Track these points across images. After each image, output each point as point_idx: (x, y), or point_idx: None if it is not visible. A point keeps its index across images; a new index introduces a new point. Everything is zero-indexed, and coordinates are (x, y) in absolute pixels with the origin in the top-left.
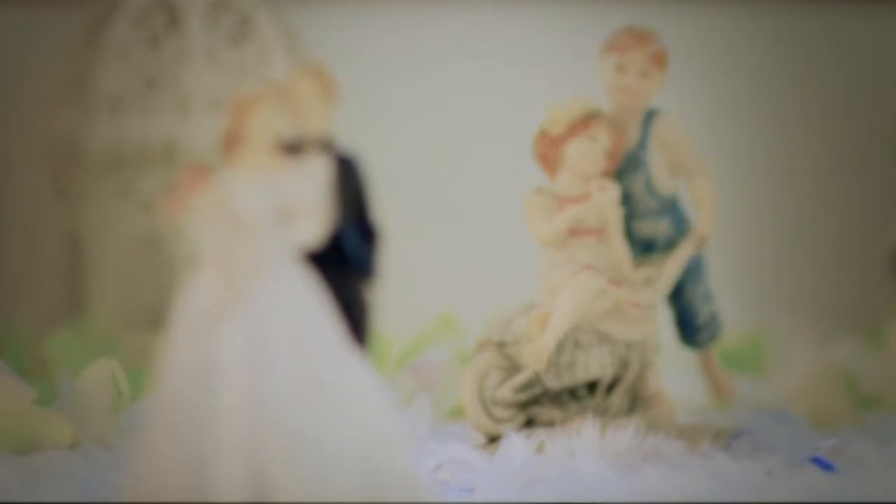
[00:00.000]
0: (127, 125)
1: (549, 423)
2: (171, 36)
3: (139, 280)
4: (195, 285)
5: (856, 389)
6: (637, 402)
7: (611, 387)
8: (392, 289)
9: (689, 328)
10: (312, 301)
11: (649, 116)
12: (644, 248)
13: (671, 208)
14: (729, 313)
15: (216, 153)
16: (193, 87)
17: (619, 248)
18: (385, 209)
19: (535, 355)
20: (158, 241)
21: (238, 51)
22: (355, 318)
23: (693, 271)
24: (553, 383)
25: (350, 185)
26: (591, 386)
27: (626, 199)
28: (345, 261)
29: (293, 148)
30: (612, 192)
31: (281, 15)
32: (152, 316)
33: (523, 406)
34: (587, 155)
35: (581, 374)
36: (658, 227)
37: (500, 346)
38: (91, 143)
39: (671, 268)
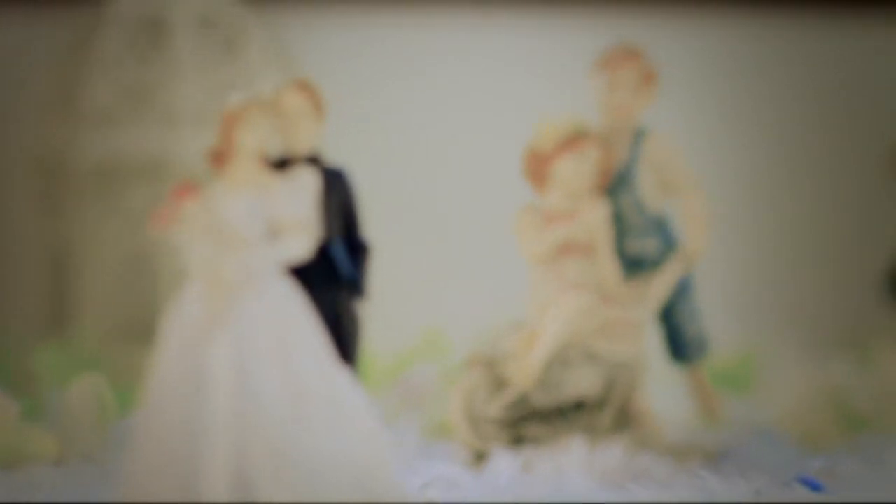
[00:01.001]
0: (114, 139)
1: (537, 441)
2: (159, 50)
3: (126, 294)
4: (183, 299)
5: (846, 409)
6: (626, 420)
7: (599, 405)
8: (379, 303)
9: (678, 343)
10: (300, 315)
11: (639, 135)
12: (633, 265)
13: (659, 226)
14: (719, 332)
15: (204, 167)
16: (181, 102)
17: (608, 265)
18: (373, 223)
19: (524, 373)
20: (146, 255)
21: (226, 65)
22: (344, 332)
23: (681, 290)
24: (541, 401)
25: (338, 199)
26: (580, 404)
27: (616, 218)
28: (333, 275)
29: (281, 162)
30: (602, 210)
31: (270, 29)
32: (139, 331)
33: (511, 424)
34: (577, 173)
35: (569, 392)
36: (646, 245)
37: (489, 363)
38: (78, 156)
39: (659, 286)
